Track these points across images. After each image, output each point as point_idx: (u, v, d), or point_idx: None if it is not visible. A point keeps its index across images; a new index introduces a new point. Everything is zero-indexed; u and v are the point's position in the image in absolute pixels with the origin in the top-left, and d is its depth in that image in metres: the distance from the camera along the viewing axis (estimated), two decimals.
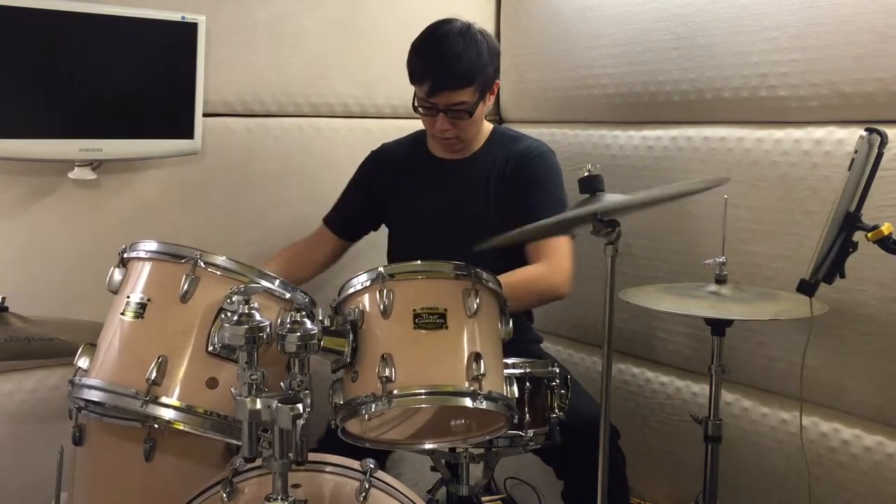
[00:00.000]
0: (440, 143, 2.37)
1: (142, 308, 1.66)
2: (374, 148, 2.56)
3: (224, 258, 1.69)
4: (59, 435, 1.85)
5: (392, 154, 2.52)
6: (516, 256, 2.42)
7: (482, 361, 1.67)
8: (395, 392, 1.65)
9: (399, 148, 2.53)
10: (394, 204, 2.48)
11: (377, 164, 2.53)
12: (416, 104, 2.28)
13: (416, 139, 2.46)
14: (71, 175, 2.36)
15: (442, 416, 1.91)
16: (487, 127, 2.46)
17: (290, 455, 1.48)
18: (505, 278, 1.86)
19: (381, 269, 1.73)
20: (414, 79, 2.27)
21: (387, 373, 1.64)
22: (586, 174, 1.85)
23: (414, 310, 1.69)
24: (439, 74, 2.23)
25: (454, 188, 2.39)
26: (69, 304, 2.29)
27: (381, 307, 1.69)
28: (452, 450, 1.95)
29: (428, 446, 1.89)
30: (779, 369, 2.33)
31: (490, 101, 2.35)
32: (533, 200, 2.29)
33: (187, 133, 2.44)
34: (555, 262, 2.25)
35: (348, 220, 2.56)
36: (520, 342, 2.14)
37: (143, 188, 2.54)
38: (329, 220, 2.57)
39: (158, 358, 1.61)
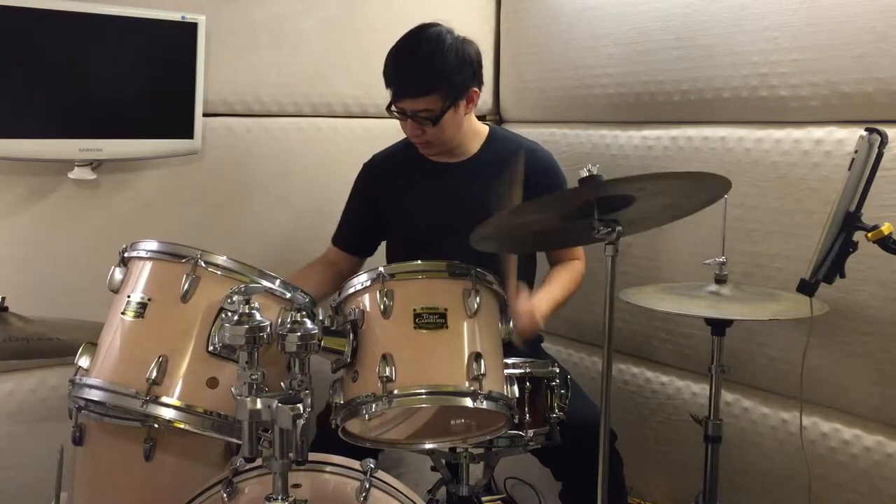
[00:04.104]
0: (417, 146, 2.37)
1: (142, 307, 1.67)
2: (373, 151, 2.55)
3: (224, 258, 1.70)
4: (59, 435, 1.85)
5: (387, 161, 2.50)
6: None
7: (482, 361, 1.68)
8: (396, 392, 1.65)
9: (393, 155, 2.51)
10: (395, 210, 2.46)
11: (374, 173, 2.50)
12: (389, 108, 2.28)
13: (410, 144, 2.45)
14: (71, 175, 2.36)
15: (442, 415, 1.91)
16: (483, 129, 2.46)
17: (291, 455, 1.48)
18: (560, 290, 2.31)
19: (381, 268, 1.73)
20: (385, 83, 2.28)
21: (387, 373, 1.64)
22: (586, 174, 1.85)
23: (414, 310, 1.70)
24: (401, 82, 2.23)
25: (459, 191, 2.38)
26: (69, 304, 2.29)
27: (382, 307, 1.70)
28: (452, 450, 1.95)
29: (428, 446, 1.89)
30: (779, 369, 2.33)
31: (469, 108, 2.32)
32: None
33: (187, 133, 2.44)
34: (582, 260, 2.47)
35: (359, 235, 2.52)
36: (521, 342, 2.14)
37: (143, 188, 2.53)
38: (339, 240, 2.53)
39: (159, 357, 1.61)
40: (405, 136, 2.43)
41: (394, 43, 2.28)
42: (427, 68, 2.20)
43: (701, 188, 1.96)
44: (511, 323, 1.85)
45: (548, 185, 2.38)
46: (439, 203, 2.39)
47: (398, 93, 2.23)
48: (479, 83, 2.33)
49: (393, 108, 2.27)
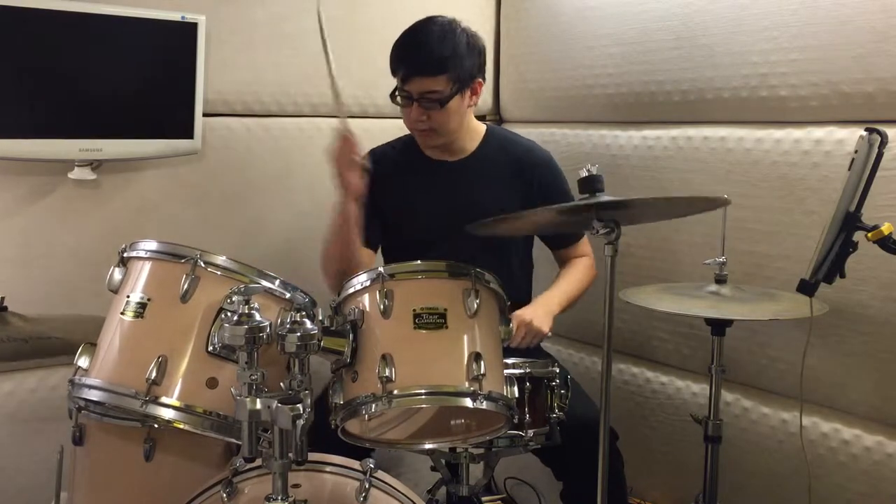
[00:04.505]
0: (418, 136, 2.37)
1: (142, 308, 1.67)
2: (367, 151, 2.54)
3: (224, 258, 1.70)
4: (59, 435, 1.85)
5: (385, 157, 2.49)
6: (515, 255, 2.43)
7: (482, 361, 1.68)
8: (395, 392, 1.65)
9: (391, 151, 2.50)
10: (392, 207, 2.45)
11: (373, 167, 2.50)
12: (393, 94, 2.28)
13: (409, 142, 2.44)
14: (71, 175, 2.36)
15: (442, 416, 1.91)
16: (481, 128, 2.46)
17: (290, 455, 1.48)
18: (572, 287, 2.35)
19: (380, 269, 1.73)
20: (392, 67, 2.27)
21: (387, 373, 1.64)
22: (586, 174, 1.85)
23: (414, 310, 1.69)
24: (413, 60, 2.23)
25: (456, 190, 2.38)
26: (69, 304, 2.29)
27: (381, 307, 1.69)
28: (452, 450, 1.95)
29: (428, 446, 1.88)
30: (779, 369, 2.33)
31: (473, 100, 2.33)
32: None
33: (187, 133, 2.44)
34: (591, 257, 2.49)
35: (366, 228, 2.40)
36: None
37: (143, 188, 2.53)
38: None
39: (158, 358, 1.61)
40: (405, 132, 2.43)
41: (394, 42, 2.28)
42: (440, 48, 2.22)
43: (700, 200, 1.97)
44: (511, 324, 1.85)
45: (547, 183, 2.38)
46: (437, 202, 2.38)
47: (408, 73, 2.23)
48: (484, 77, 2.34)
49: (398, 93, 2.26)
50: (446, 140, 2.36)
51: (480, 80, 2.33)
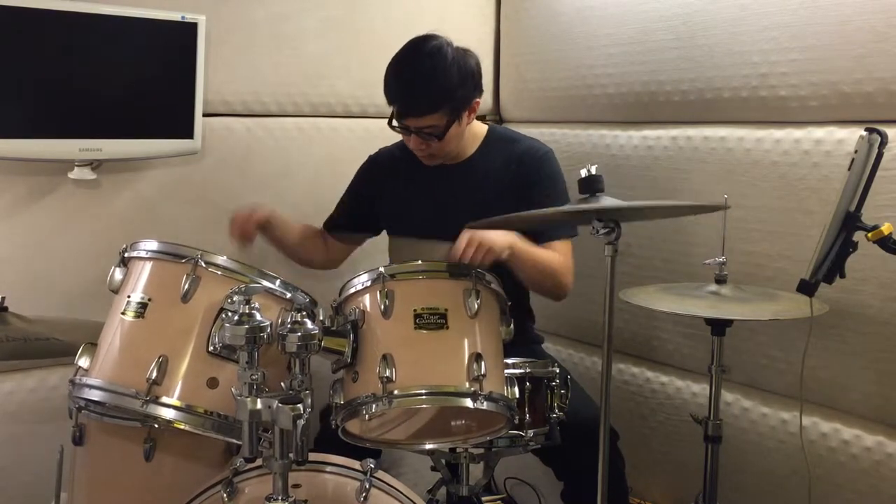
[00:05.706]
0: (418, 156, 2.36)
1: (142, 308, 1.67)
2: (373, 151, 2.55)
3: (225, 258, 1.70)
4: (59, 435, 1.85)
5: (387, 159, 2.50)
6: None
7: (483, 362, 1.68)
8: (396, 392, 1.65)
9: (395, 152, 2.51)
10: (390, 209, 2.46)
11: (373, 169, 2.51)
12: (390, 122, 2.26)
13: None
14: (71, 175, 2.36)
15: (442, 416, 1.91)
16: (482, 129, 2.44)
17: (291, 455, 1.48)
18: (542, 253, 2.14)
19: (381, 269, 1.74)
20: (387, 100, 2.26)
21: (387, 373, 1.64)
22: (586, 174, 1.85)
23: (415, 310, 1.70)
24: (405, 101, 2.21)
25: (453, 192, 2.37)
26: (69, 304, 2.29)
27: (382, 307, 1.70)
28: (452, 450, 1.95)
29: (428, 446, 1.89)
30: (779, 369, 2.33)
31: (470, 118, 2.30)
32: (542, 199, 2.22)
33: (187, 133, 2.44)
34: (567, 262, 2.26)
35: (342, 225, 2.54)
36: (521, 342, 2.14)
37: (143, 188, 2.54)
38: (327, 225, 2.56)
39: (159, 358, 1.61)
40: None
41: (393, 44, 2.27)
42: (431, 87, 2.17)
43: (699, 205, 1.96)
44: (511, 324, 1.84)
45: (536, 180, 2.33)
46: (436, 205, 2.38)
47: (402, 111, 2.22)
48: (480, 93, 2.31)
49: (398, 123, 2.25)
50: (447, 158, 2.35)
51: (478, 99, 2.29)
